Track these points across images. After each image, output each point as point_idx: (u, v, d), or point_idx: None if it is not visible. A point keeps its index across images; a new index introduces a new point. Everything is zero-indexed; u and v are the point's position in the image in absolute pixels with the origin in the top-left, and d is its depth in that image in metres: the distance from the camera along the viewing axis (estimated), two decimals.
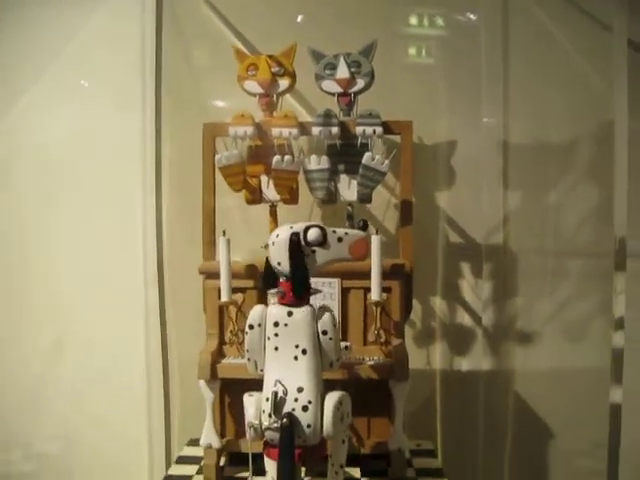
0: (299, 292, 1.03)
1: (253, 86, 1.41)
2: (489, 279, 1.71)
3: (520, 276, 1.70)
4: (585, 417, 1.46)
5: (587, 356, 1.58)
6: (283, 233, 1.01)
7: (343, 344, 1.16)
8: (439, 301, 1.73)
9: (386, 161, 1.35)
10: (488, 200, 1.71)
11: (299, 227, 1.01)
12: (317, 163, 1.37)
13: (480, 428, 1.69)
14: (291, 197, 1.40)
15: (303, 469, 1.10)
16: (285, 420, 0.97)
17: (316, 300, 1.08)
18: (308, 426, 0.99)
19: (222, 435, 1.32)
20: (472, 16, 1.71)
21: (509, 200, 1.71)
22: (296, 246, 1.00)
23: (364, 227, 1.13)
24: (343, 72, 1.39)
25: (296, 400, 1.00)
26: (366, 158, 1.35)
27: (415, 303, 1.55)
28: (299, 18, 1.68)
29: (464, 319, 1.73)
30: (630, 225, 1.35)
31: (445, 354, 1.73)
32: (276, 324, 1.02)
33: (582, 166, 1.66)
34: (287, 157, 1.33)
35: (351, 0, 1.69)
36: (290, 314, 1.02)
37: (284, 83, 1.41)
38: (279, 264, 1.01)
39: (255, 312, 1.05)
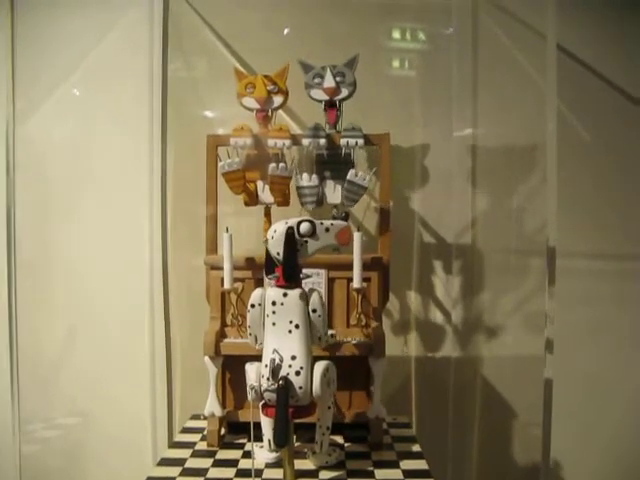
0: (289, 276, 1.19)
1: (251, 102, 1.55)
2: (458, 275, 1.87)
3: (486, 273, 1.85)
4: (538, 394, 1.65)
5: (541, 344, 1.76)
6: (280, 228, 1.18)
7: (330, 332, 1.31)
8: (414, 295, 1.87)
9: (367, 177, 1.50)
10: (458, 204, 1.86)
11: (293, 222, 1.18)
12: (308, 180, 1.53)
13: (450, 406, 1.84)
14: (284, 200, 1.55)
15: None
16: (281, 382, 1.13)
17: (306, 286, 1.24)
18: (300, 388, 1.15)
19: (223, 406, 1.45)
20: (445, 31, 1.85)
21: (477, 204, 1.86)
22: (291, 238, 1.17)
23: (345, 218, 1.31)
24: (329, 82, 1.54)
25: (290, 366, 1.16)
26: (350, 174, 1.50)
27: (392, 297, 1.70)
28: (285, 31, 1.82)
29: (436, 311, 1.88)
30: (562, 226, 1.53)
31: (419, 342, 1.88)
32: (274, 303, 1.19)
33: (542, 172, 1.77)
34: (281, 164, 1.48)
35: (335, 19, 1.81)
36: (285, 295, 1.19)
37: (278, 100, 1.55)
38: (278, 254, 1.18)
39: (256, 294, 1.22)
